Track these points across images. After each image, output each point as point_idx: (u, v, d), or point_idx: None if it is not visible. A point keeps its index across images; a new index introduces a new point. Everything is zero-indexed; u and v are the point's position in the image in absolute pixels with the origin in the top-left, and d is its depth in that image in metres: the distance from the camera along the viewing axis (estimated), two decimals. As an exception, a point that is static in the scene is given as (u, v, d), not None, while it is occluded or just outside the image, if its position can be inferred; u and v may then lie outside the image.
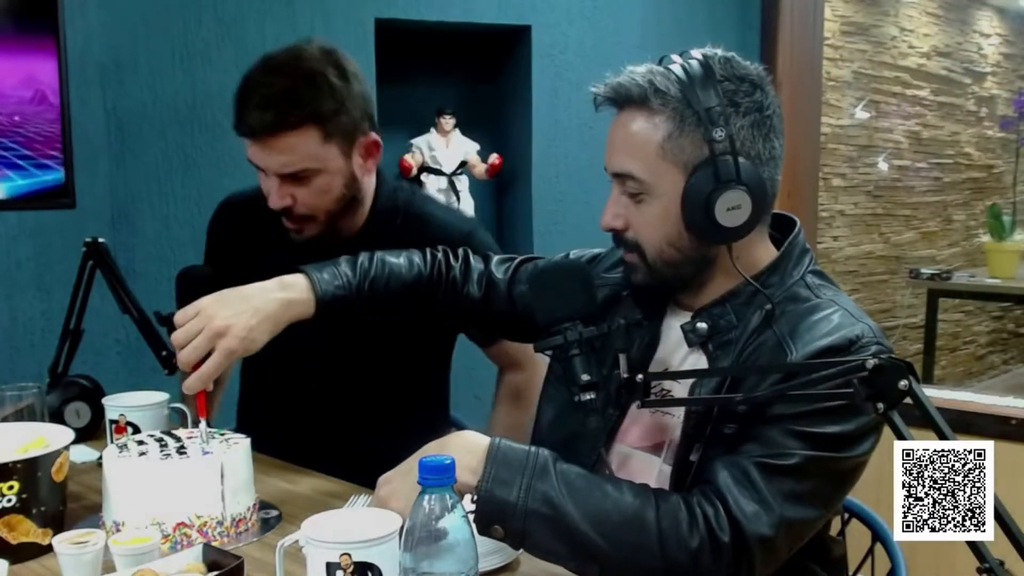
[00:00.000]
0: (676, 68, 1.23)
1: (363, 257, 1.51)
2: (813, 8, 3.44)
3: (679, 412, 1.29)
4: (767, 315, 1.24)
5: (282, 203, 1.63)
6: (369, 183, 1.77)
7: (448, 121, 2.93)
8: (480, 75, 3.14)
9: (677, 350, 1.33)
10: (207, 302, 1.38)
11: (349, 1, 2.67)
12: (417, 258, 1.55)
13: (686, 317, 1.32)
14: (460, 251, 1.59)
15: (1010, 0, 6.06)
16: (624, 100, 1.26)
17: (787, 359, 1.20)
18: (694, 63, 1.23)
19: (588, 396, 1.23)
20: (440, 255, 1.57)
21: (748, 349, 1.24)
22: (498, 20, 2.90)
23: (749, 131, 1.23)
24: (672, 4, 3.20)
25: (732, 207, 1.20)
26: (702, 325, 1.28)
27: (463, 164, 2.96)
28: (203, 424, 1.42)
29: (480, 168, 2.98)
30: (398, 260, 1.53)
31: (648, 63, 1.27)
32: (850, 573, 1.54)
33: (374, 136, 1.71)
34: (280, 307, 1.40)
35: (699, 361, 1.30)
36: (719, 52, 1.26)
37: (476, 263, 1.57)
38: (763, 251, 1.31)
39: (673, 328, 1.33)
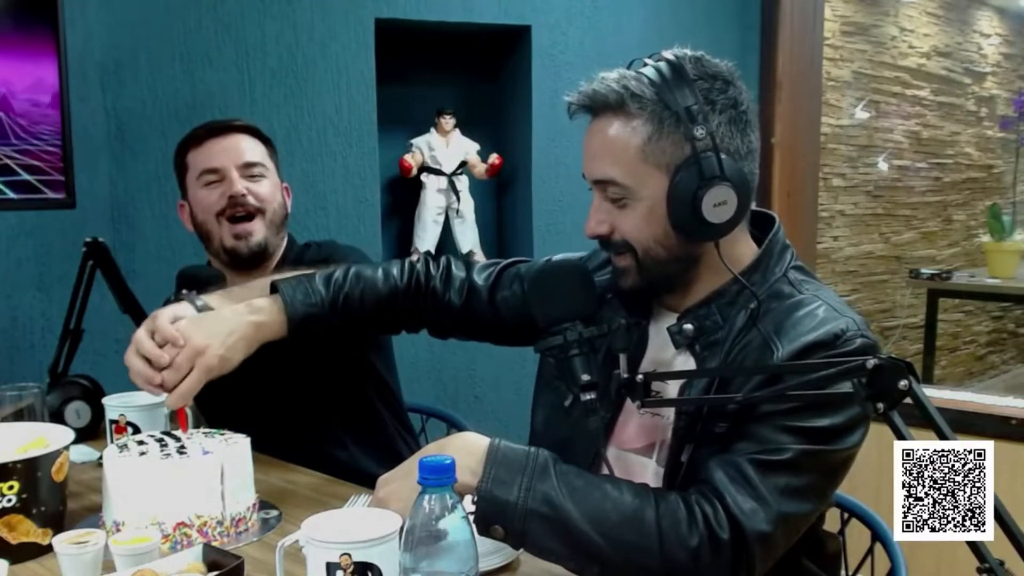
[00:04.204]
0: (649, 71, 1.24)
1: (338, 272, 1.56)
2: (813, 8, 3.43)
3: (669, 413, 1.29)
4: (752, 314, 1.25)
5: (242, 188, 1.86)
6: (284, 230, 1.99)
7: (448, 121, 2.92)
8: (480, 75, 3.13)
9: (665, 351, 1.33)
10: (183, 326, 1.44)
11: (349, 1, 2.67)
12: (394, 270, 1.58)
13: (672, 319, 1.32)
14: (442, 260, 1.61)
15: (1010, 0, 6.06)
16: (600, 107, 1.26)
17: (773, 357, 1.21)
18: (665, 65, 1.23)
19: (589, 396, 1.23)
20: (420, 265, 1.59)
21: (735, 349, 1.25)
22: (498, 20, 2.90)
23: (727, 127, 1.23)
24: (672, 4, 3.20)
25: (719, 203, 1.21)
26: (688, 326, 1.29)
27: (463, 164, 2.95)
28: (184, 437, 1.45)
29: (480, 168, 2.98)
30: (374, 274, 1.57)
31: (619, 68, 1.27)
32: (850, 573, 1.54)
33: (286, 184, 2.01)
34: (252, 329, 1.47)
35: (687, 362, 1.30)
36: (688, 52, 1.26)
37: (457, 271, 1.59)
38: (745, 248, 1.32)
39: (660, 330, 1.34)
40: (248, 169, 1.89)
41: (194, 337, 1.42)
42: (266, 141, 1.96)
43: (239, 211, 1.86)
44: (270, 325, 1.49)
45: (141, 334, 1.45)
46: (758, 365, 1.23)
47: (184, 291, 1.57)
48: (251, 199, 1.87)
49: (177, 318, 1.46)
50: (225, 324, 1.46)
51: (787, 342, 1.21)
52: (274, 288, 1.52)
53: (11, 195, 2.24)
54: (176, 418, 1.51)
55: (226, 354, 1.43)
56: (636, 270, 1.29)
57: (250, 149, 1.91)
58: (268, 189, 1.90)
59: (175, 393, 1.41)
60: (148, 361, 1.43)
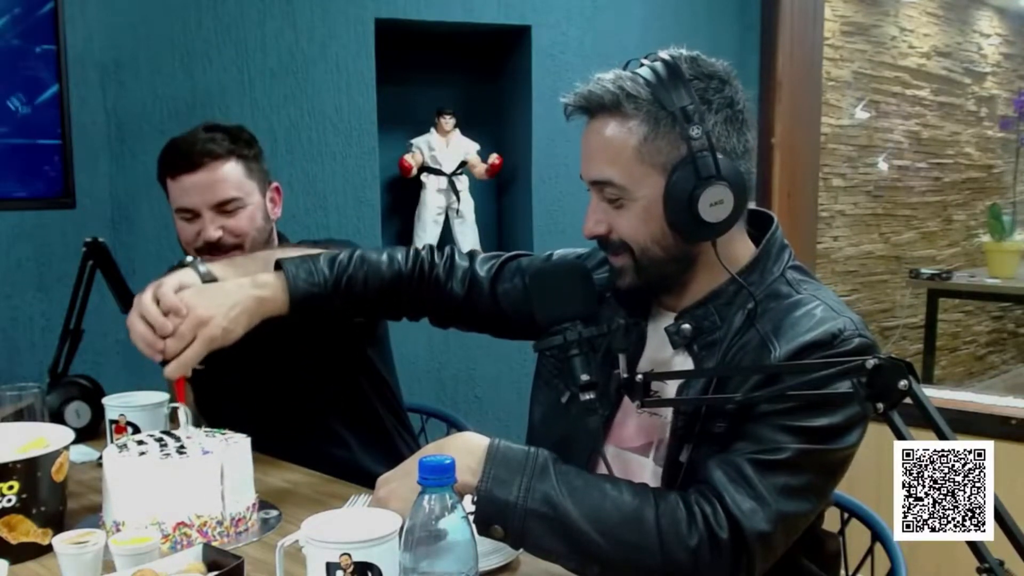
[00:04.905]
0: (644, 71, 1.24)
1: (343, 254, 1.56)
2: (813, 8, 3.43)
3: (667, 412, 1.29)
4: (750, 314, 1.25)
5: (216, 233, 1.81)
6: (274, 235, 1.95)
7: (448, 121, 2.92)
8: (480, 75, 3.13)
9: (663, 351, 1.33)
10: (187, 295, 1.44)
11: (349, 1, 2.67)
12: (399, 256, 1.58)
13: (669, 319, 1.33)
14: (447, 249, 1.61)
15: (1010, 0, 6.05)
16: (596, 108, 1.26)
17: (771, 356, 1.21)
18: (660, 65, 1.23)
19: (588, 396, 1.23)
20: (424, 253, 1.59)
21: (733, 349, 1.25)
22: (498, 20, 2.90)
23: (723, 127, 1.23)
24: (672, 4, 3.20)
25: (715, 202, 1.21)
26: (686, 327, 1.29)
27: (463, 164, 2.95)
28: (182, 409, 1.46)
29: (480, 168, 2.98)
30: (379, 258, 1.57)
31: (614, 69, 1.27)
32: (850, 573, 1.54)
33: (277, 183, 1.95)
34: (254, 303, 1.47)
35: (685, 362, 1.30)
36: (684, 52, 1.27)
37: (461, 261, 1.59)
38: (743, 248, 1.32)
39: (658, 330, 1.34)
40: (223, 206, 1.82)
41: (198, 307, 1.42)
42: (245, 154, 1.86)
43: (215, 251, 1.83)
44: (272, 301, 1.48)
45: (146, 299, 1.44)
46: (758, 365, 1.23)
47: (188, 257, 1.57)
48: (227, 238, 1.82)
49: (182, 286, 1.46)
50: (229, 296, 1.46)
51: (785, 342, 1.21)
52: (279, 265, 1.52)
53: (11, 195, 2.24)
54: (175, 396, 1.51)
55: (229, 326, 1.43)
56: (633, 270, 1.29)
57: (225, 182, 1.82)
58: (245, 221, 1.84)
59: (176, 362, 1.41)
60: (151, 327, 1.43)
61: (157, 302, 1.43)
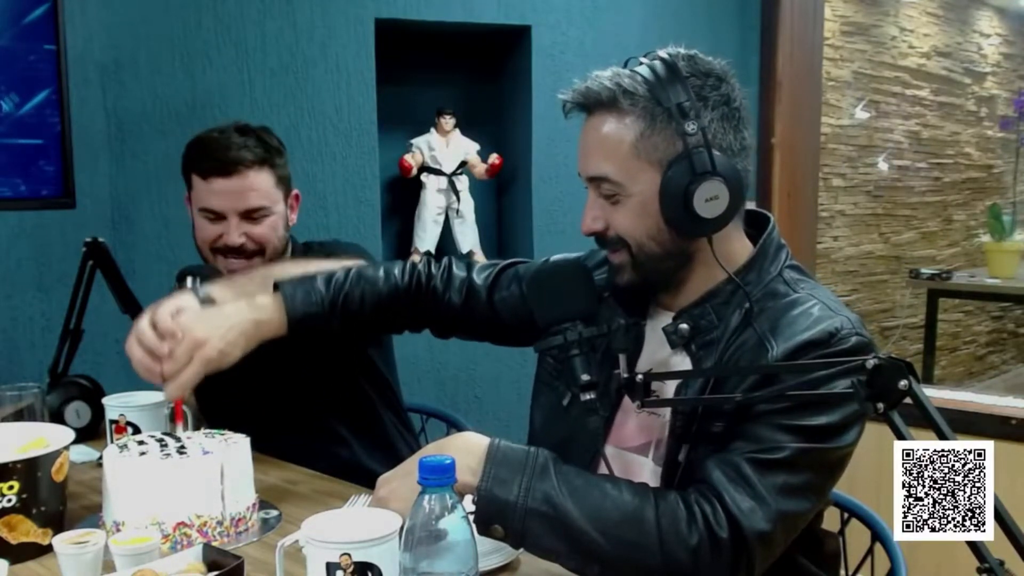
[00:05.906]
0: (642, 69, 1.25)
1: (339, 272, 1.57)
2: (813, 8, 3.43)
3: (666, 412, 1.30)
4: (747, 313, 1.25)
5: (240, 240, 1.81)
6: (288, 240, 1.95)
7: (448, 121, 2.92)
8: (480, 75, 3.13)
9: (661, 351, 1.33)
10: (184, 319, 1.45)
11: (349, 1, 2.67)
12: (396, 270, 1.59)
13: (667, 318, 1.33)
14: (444, 260, 1.62)
15: (1010, 0, 6.05)
16: (593, 104, 1.27)
17: (768, 356, 1.21)
18: (658, 63, 1.24)
19: (589, 396, 1.24)
20: (421, 266, 1.60)
21: (731, 348, 1.25)
22: (498, 20, 2.90)
23: (719, 124, 1.24)
24: (672, 4, 3.20)
25: (710, 198, 1.21)
26: (684, 326, 1.29)
27: (463, 164, 2.95)
28: (179, 428, 1.51)
29: (480, 168, 2.98)
30: (376, 274, 1.58)
31: (613, 66, 1.28)
32: (850, 573, 1.55)
33: (297, 191, 1.95)
34: (252, 326, 1.48)
35: (683, 362, 1.30)
36: (681, 50, 1.27)
37: (458, 271, 1.60)
38: (740, 246, 1.32)
39: (656, 329, 1.34)
40: (251, 214, 1.82)
41: (195, 330, 1.44)
42: (276, 163, 1.86)
43: (233, 255, 1.83)
44: (270, 323, 1.50)
45: (143, 324, 1.46)
46: (758, 365, 1.23)
47: (189, 280, 1.58)
48: (249, 244, 1.82)
49: (179, 310, 1.47)
50: (226, 319, 1.47)
51: (782, 341, 1.22)
52: (276, 286, 1.53)
53: (11, 195, 2.24)
54: (175, 414, 1.53)
55: (225, 348, 1.44)
56: (631, 266, 1.30)
57: (256, 191, 1.81)
58: (269, 229, 1.84)
59: (174, 383, 1.43)
60: (150, 352, 1.44)
61: (154, 327, 1.45)
